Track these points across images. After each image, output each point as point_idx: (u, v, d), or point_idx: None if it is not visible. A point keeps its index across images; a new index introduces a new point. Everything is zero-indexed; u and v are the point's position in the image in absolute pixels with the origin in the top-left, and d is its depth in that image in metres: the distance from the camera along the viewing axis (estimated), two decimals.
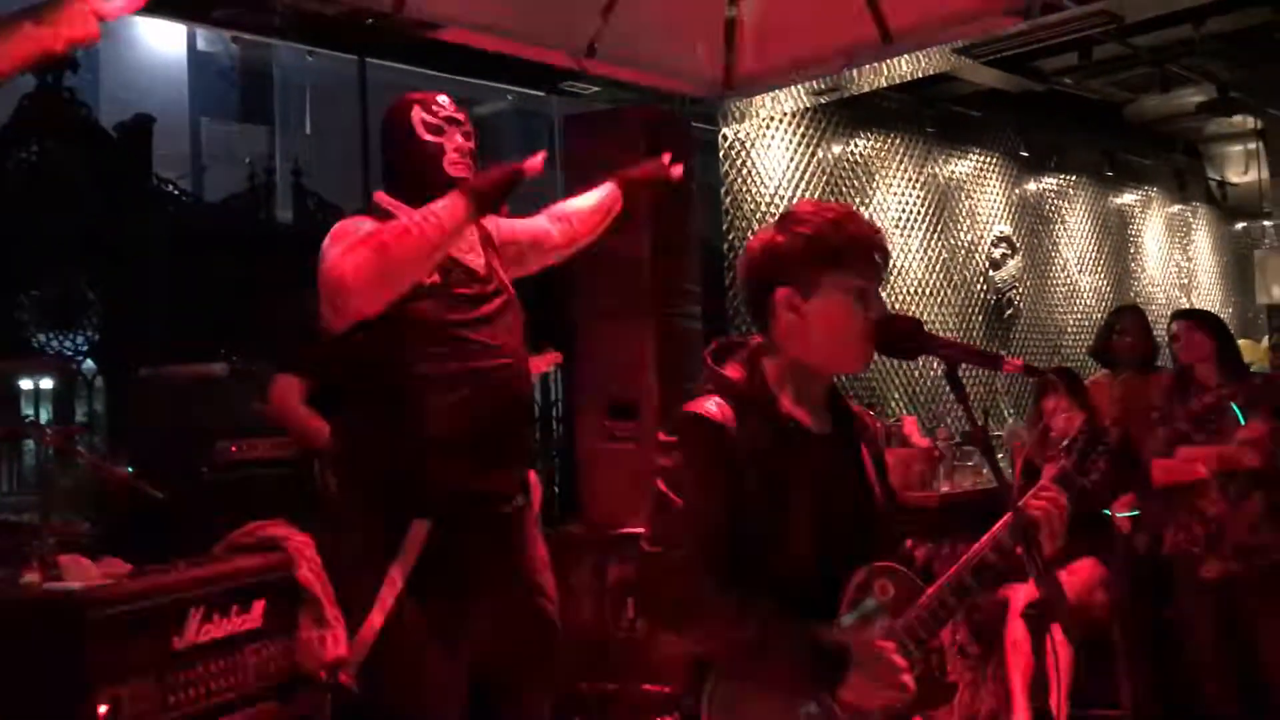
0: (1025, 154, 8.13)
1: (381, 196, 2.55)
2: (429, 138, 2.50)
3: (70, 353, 5.14)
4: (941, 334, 2.53)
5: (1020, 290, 8.04)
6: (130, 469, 3.48)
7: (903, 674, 1.84)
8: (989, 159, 7.99)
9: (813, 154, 6.58)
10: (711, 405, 1.93)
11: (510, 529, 2.48)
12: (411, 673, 2.31)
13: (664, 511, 1.88)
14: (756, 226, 5.78)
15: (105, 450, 4.81)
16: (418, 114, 2.51)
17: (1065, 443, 2.16)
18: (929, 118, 7.32)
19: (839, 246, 1.94)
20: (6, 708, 2.10)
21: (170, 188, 5.85)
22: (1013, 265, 8.01)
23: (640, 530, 1.93)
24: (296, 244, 5.74)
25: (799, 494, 1.92)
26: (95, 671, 2.09)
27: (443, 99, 2.57)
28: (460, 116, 2.57)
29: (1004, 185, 8.09)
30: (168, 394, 4.06)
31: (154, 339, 5.06)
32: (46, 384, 5.41)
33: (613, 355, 4.35)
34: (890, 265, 6.89)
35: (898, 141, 7.22)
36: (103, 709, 2.02)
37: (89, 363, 5.27)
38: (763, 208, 6.14)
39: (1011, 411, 7.11)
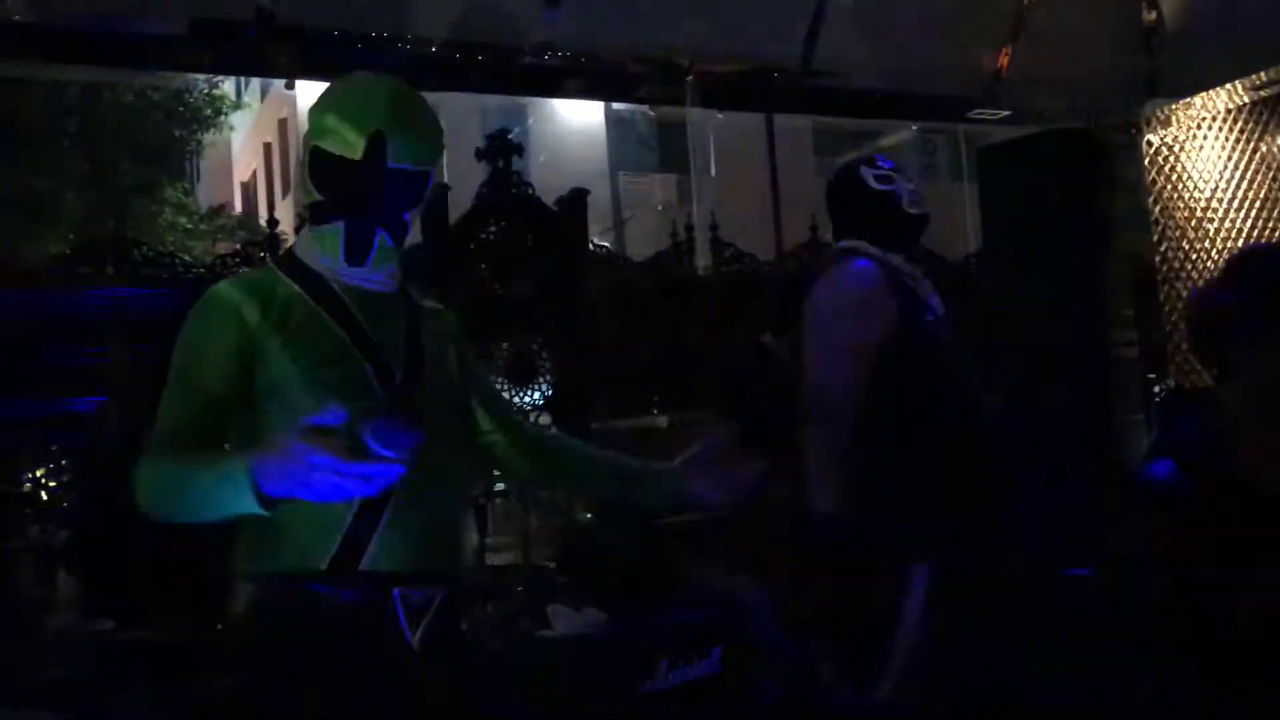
0: None
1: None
2: (880, 188, 2.70)
3: (529, 407, 5.60)
4: None
5: None
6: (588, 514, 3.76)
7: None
8: None
9: (1254, 149, 5.97)
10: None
11: None
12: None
13: None
14: (1192, 235, 5.34)
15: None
16: (865, 172, 2.73)
17: None
18: None
19: None
20: None
21: (602, 250, 6.34)
22: None
23: None
24: (715, 294, 6.06)
25: None
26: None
27: (880, 159, 2.80)
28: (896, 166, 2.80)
29: None
30: (615, 447, 4.36)
31: (597, 392, 5.46)
32: None
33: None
34: None
35: None
36: None
37: (545, 417, 5.75)
38: (1198, 214, 5.66)
39: None
